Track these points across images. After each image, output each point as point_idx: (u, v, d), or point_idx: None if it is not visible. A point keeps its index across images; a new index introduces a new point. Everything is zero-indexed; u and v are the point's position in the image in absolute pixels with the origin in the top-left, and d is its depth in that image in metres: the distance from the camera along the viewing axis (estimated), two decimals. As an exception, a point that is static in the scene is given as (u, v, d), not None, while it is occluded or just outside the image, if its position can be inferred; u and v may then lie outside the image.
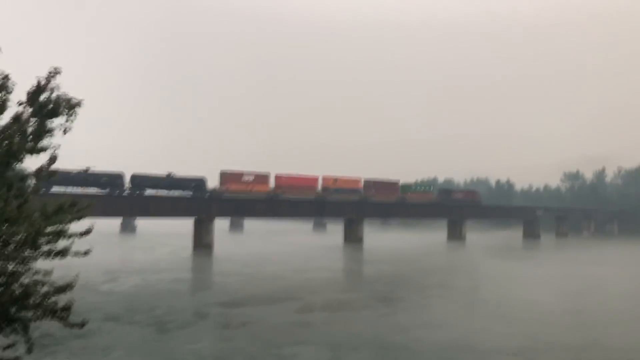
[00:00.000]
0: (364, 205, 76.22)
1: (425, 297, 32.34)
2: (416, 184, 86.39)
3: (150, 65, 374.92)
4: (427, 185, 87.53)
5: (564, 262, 56.29)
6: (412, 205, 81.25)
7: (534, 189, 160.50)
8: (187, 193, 59.32)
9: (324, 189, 71.46)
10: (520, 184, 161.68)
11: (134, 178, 55.51)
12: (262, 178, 65.64)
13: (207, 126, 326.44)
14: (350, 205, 74.67)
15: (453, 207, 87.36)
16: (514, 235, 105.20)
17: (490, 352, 19.31)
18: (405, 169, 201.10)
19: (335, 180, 72.67)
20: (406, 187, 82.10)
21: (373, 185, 76.61)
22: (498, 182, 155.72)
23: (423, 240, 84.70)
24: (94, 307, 24.29)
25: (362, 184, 75.77)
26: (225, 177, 63.28)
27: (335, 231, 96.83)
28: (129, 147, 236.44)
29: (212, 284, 38.75)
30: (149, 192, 56.52)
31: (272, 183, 67.45)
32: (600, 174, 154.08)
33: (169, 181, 57.68)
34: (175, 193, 58.65)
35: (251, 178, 64.36)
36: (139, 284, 34.90)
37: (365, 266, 52.94)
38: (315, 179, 71.40)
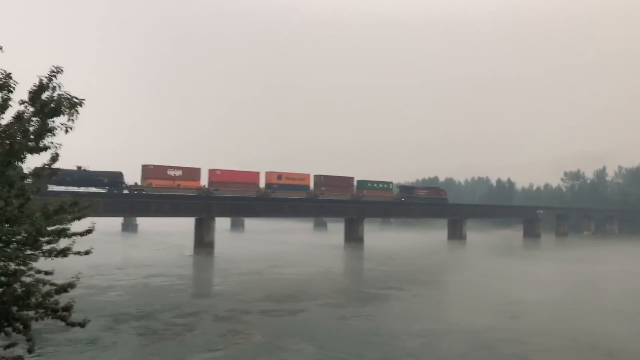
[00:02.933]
0: (364, 205, 76.23)
1: (390, 291, 33.11)
2: (374, 181, 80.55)
3: (165, 68, 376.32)
4: (385, 182, 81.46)
5: (559, 261, 56.27)
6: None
7: (534, 188, 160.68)
8: (101, 189, 53.84)
9: (268, 185, 66.93)
10: (520, 182, 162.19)
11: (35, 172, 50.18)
12: (191, 173, 60.37)
13: (222, 128, 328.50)
14: (352, 205, 74.65)
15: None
16: (515, 234, 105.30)
17: (399, 334, 20.82)
18: (406, 169, 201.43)
19: (280, 175, 68.10)
20: (363, 184, 77.97)
21: (324, 181, 72.12)
22: (499, 181, 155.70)
23: (424, 240, 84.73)
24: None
25: (310, 179, 71.71)
26: (148, 171, 57.86)
27: (336, 230, 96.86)
28: (142, 147, 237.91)
29: (190, 279, 39.20)
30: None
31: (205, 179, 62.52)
32: (601, 173, 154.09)
33: (79, 176, 50.55)
34: (89, 189, 52.77)
35: (178, 173, 59.07)
36: (129, 280, 35.65)
37: (351, 264, 53.20)
38: (256, 175, 66.64)
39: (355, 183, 77.16)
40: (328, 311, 25.92)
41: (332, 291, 32.74)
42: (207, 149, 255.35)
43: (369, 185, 78.54)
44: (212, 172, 62.33)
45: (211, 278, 40.71)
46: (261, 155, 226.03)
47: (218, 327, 22.29)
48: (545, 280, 39.49)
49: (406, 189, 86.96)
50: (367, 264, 50.80)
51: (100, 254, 45.55)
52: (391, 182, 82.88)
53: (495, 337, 20.70)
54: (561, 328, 22.62)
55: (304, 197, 69.55)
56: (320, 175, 72.17)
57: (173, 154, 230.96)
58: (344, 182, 74.69)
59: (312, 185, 72.02)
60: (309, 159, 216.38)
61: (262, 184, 67.56)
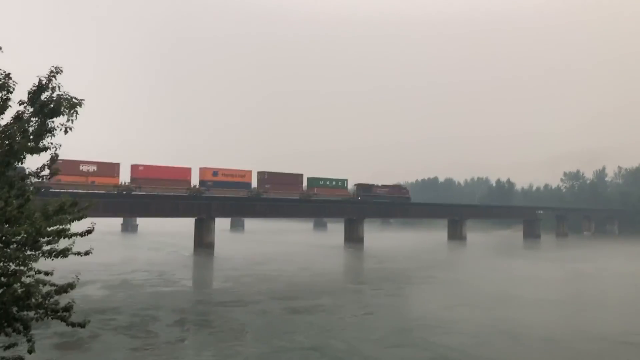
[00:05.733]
0: (364, 206, 76.13)
1: (358, 286, 35.10)
2: (326, 178, 74.89)
3: (166, 70, 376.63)
4: (340, 180, 76.01)
5: (550, 260, 56.74)
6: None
7: (534, 188, 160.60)
8: None
9: (202, 182, 61.54)
10: (520, 182, 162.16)
11: None
12: (108, 168, 54.46)
13: (224, 130, 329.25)
14: (352, 205, 74.58)
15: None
16: (515, 235, 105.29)
17: (335, 323, 23.17)
18: (405, 170, 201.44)
19: (215, 172, 62.46)
20: (314, 182, 72.83)
21: (268, 178, 67.34)
22: (498, 181, 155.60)
23: (425, 240, 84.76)
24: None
25: (252, 176, 66.75)
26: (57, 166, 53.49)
27: (336, 230, 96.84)
28: (148, 147, 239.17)
29: (174, 277, 39.42)
30: None
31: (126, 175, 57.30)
32: (601, 174, 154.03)
33: None
34: None
35: (93, 168, 53.37)
36: (113, 277, 36.59)
37: (338, 262, 53.15)
38: (187, 170, 60.79)
39: (305, 180, 73.02)
40: (283, 304, 27.56)
41: (301, 286, 34.35)
42: (211, 150, 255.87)
43: (321, 182, 73.67)
44: (134, 167, 57.28)
45: (194, 276, 41.93)
46: (265, 157, 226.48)
47: (172, 318, 23.86)
48: (522, 278, 40.52)
49: (364, 187, 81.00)
50: (355, 262, 51.83)
51: (97, 254, 45.52)
52: (346, 180, 77.68)
53: (420, 323, 23.03)
54: (488, 317, 24.66)
55: (244, 196, 64.69)
56: (264, 172, 67.76)
57: (178, 155, 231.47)
58: (292, 179, 70.36)
59: (255, 183, 67.68)
60: (310, 161, 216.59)
61: (196, 180, 62.25)
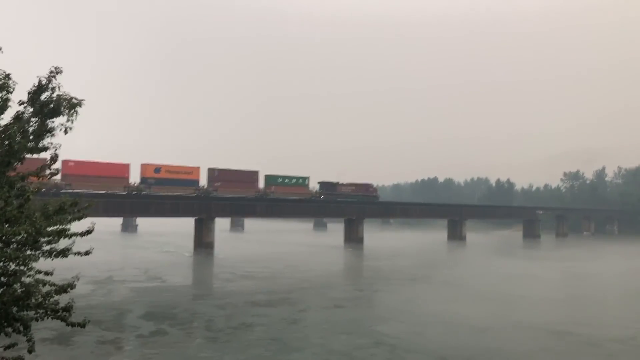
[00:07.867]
0: (364, 206, 76.03)
1: (336, 282, 36.71)
2: (285, 176, 71.05)
3: (167, 72, 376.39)
4: (300, 177, 72.16)
5: (551, 260, 57.04)
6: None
7: (534, 188, 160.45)
8: None
9: (143, 179, 57.52)
10: (519, 182, 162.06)
11: None
12: (33, 164, 48.92)
13: (226, 132, 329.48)
14: (353, 206, 74.46)
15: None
16: (515, 235, 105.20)
17: (294, 313, 25.24)
18: (405, 170, 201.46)
19: (158, 168, 58.31)
20: (272, 179, 69.18)
21: (219, 175, 63.28)
22: (498, 181, 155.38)
23: (425, 240, 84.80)
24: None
25: (201, 173, 62.55)
26: None
27: (336, 230, 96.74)
28: (151, 148, 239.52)
29: (161, 275, 39.80)
30: None
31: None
32: (600, 174, 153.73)
33: None
34: None
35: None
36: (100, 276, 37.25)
37: (329, 262, 52.81)
38: (125, 167, 56.24)
39: (263, 178, 69.02)
40: (253, 297, 29.37)
41: (281, 282, 35.82)
42: (211, 150, 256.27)
43: (279, 180, 69.89)
44: (64, 163, 51.56)
45: (181, 273, 42.22)
46: (270, 158, 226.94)
47: (142, 312, 25.13)
48: (507, 276, 41.51)
49: (327, 185, 76.67)
50: (345, 261, 52.87)
51: (94, 253, 45.43)
52: (307, 178, 73.22)
53: (372, 314, 25.57)
54: (440, 310, 26.09)
55: (191, 194, 60.73)
56: (214, 169, 63.54)
57: (179, 156, 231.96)
58: (246, 176, 66.28)
59: (204, 180, 63.16)
60: (312, 162, 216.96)
61: (138, 177, 58.11)
